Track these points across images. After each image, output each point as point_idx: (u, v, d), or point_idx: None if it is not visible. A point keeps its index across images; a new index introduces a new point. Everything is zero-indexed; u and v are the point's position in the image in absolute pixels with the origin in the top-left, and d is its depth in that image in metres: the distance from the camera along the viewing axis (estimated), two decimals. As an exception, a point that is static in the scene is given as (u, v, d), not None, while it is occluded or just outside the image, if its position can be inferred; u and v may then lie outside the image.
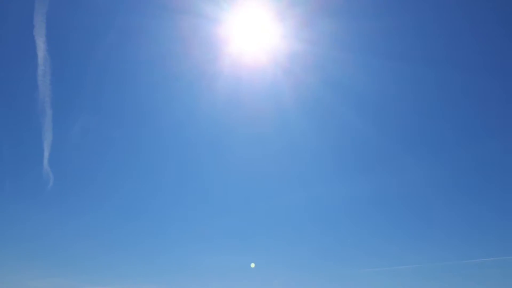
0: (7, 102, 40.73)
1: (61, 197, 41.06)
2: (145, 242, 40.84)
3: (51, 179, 38.97)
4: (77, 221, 40.36)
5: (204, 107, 39.72)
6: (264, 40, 37.21)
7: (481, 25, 38.90)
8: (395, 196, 42.22)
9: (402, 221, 40.91)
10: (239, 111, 40.45)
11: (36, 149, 39.62)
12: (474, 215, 39.67)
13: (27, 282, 35.90)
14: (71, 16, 37.23)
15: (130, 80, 40.20)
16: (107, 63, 39.90)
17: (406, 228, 40.61)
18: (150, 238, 41.29)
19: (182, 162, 43.35)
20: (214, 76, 38.25)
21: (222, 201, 42.91)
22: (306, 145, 41.75)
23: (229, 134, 41.67)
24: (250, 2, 35.95)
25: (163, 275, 38.09)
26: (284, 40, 37.13)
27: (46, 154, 38.16)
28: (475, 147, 40.48)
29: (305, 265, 39.00)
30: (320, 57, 37.51)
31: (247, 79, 38.86)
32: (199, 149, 42.52)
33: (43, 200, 40.13)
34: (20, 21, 36.57)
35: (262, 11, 36.17)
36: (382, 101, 40.50)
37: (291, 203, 42.03)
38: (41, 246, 38.82)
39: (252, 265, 36.07)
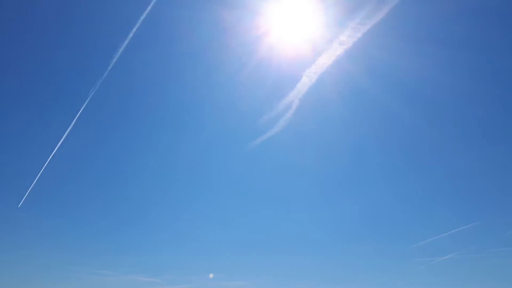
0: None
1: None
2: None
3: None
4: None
5: (245, 98, 39.01)
6: (306, 30, 36.16)
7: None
8: (452, 196, 39.43)
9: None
10: (280, 103, 39.14)
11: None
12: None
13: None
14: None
15: (171, 73, 40.32)
16: (148, 56, 40.37)
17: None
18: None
19: (223, 156, 43.05)
20: (255, 67, 37.55)
21: (259, 198, 42.28)
22: (350, 140, 40.49)
23: (269, 126, 39.99)
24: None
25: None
26: (327, 29, 35.71)
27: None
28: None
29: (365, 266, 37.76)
30: (365, 46, 35.44)
31: (289, 70, 37.67)
32: (241, 141, 41.92)
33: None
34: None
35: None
36: (434, 92, 37.60)
37: (335, 202, 40.75)
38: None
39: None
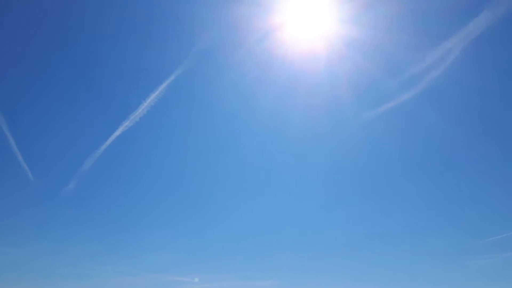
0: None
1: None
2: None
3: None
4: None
5: (258, 96, 39.02)
6: (320, 27, 35.88)
7: None
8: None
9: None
10: (294, 100, 39.34)
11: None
12: None
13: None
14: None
15: (182, 70, 39.85)
16: (158, 52, 39.69)
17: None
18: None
19: (239, 155, 42.67)
20: (268, 65, 37.40)
21: (279, 195, 41.88)
22: (366, 140, 39.69)
23: (284, 123, 40.53)
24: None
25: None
26: (342, 26, 35.56)
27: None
28: None
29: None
30: (381, 42, 35.42)
31: (303, 68, 37.69)
32: (255, 139, 41.56)
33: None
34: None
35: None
36: (455, 90, 36.17)
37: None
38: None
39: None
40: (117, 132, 37.31)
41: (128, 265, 37.72)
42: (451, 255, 35.99)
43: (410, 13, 34.43)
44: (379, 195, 40.34)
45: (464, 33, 30.71)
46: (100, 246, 39.08)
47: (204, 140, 42.33)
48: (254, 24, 35.89)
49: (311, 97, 38.71)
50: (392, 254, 37.47)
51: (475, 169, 38.19)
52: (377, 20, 34.54)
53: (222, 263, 38.27)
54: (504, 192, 36.85)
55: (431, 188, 39.14)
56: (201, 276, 35.94)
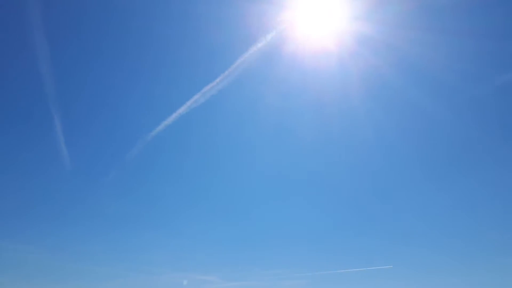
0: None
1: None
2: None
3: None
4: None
5: (269, 93, 38.84)
6: (332, 24, 35.69)
7: None
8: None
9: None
10: (304, 98, 39.30)
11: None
12: None
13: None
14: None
15: (193, 68, 39.70)
16: (171, 51, 39.40)
17: None
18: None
19: (248, 151, 42.97)
20: (279, 62, 37.23)
21: (286, 192, 42.42)
22: (377, 138, 39.55)
23: (294, 121, 40.86)
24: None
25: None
26: (353, 23, 35.35)
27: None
28: None
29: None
30: (393, 39, 35.16)
31: (314, 65, 37.49)
32: (264, 137, 41.94)
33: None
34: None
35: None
36: (465, 86, 36.39)
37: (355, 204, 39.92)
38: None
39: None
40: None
41: (150, 263, 37.92)
42: (489, 254, 35.50)
43: (422, 10, 34.33)
44: (405, 194, 40.39)
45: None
46: (123, 245, 39.07)
47: (223, 141, 42.83)
48: (265, 21, 35.69)
49: (322, 95, 38.68)
50: (427, 254, 37.18)
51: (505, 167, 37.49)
52: (389, 17, 34.40)
53: (247, 261, 38.53)
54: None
55: (461, 188, 39.11)
56: (227, 275, 36.14)
